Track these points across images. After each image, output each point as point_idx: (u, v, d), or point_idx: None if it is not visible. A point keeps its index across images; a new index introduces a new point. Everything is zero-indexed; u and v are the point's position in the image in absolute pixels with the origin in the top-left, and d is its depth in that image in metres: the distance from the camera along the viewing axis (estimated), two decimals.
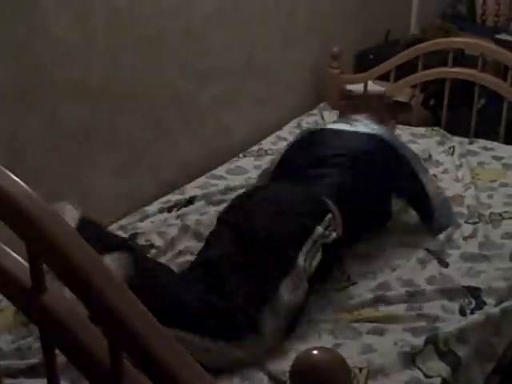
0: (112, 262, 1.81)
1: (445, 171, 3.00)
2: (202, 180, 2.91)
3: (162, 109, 2.83)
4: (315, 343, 1.91)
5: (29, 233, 0.94)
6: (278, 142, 3.25)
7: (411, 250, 2.40)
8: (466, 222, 2.56)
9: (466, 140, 3.29)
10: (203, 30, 2.93)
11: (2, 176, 0.96)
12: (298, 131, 3.33)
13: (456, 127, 3.39)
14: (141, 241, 2.43)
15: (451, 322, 2.00)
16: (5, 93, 2.22)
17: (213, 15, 2.96)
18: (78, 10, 2.39)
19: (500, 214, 2.63)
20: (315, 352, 1.26)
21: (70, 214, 1.96)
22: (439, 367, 1.84)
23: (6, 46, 2.20)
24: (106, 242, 1.92)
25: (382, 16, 4.02)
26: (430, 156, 3.12)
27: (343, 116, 2.87)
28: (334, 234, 2.14)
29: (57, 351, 1.03)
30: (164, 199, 2.74)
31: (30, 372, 1.82)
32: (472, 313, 2.06)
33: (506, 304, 2.08)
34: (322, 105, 3.60)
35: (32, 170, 2.28)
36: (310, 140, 2.60)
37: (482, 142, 3.28)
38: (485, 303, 2.11)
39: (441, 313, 2.06)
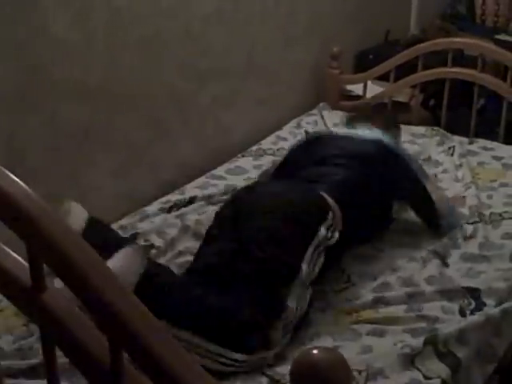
0: (125, 255, 1.82)
1: (444, 171, 3.00)
2: (201, 180, 2.91)
3: (161, 109, 2.83)
4: (315, 345, 1.90)
5: (28, 233, 0.94)
6: (277, 142, 3.25)
7: (411, 250, 2.39)
8: (466, 223, 2.56)
9: (466, 140, 3.29)
10: (203, 30, 2.93)
11: (2, 176, 0.96)
12: (298, 131, 3.34)
13: (456, 127, 3.39)
14: (140, 241, 2.42)
15: (451, 323, 2.00)
16: (5, 93, 2.22)
17: (212, 15, 2.96)
18: (77, 10, 2.39)
19: (500, 214, 2.62)
20: (315, 351, 1.26)
21: (79, 214, 1.96)
22: (439, 368, 1.84)
23: (6, 46, 2.20)
24: (116, 241, 1.93)
25: (382, 16, 4.02)
26: (429, 156, 3.12)
27: (349, 124, 2.87)
28: (336, 236, 2.13)
29: (58, 352, 1.03)
30: (164, 199, 2.73)
31: (30, 372, 1.82)
32: (472, 314, 2.06)
33: (506, 305, 2.08)
34: (321, 105, 3.60)
35: (32, 169, 2.28)
36: (313, 144, 2.60)
37: (482, 142, 3.28)
38: (484, 304, 2.10)
39: (440, 314, 2.06)
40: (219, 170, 3.00)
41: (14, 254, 1.03)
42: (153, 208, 2.66)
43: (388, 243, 2.45)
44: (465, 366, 1.89)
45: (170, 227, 2.52)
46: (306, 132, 3.32)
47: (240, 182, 2.86)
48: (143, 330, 0.92)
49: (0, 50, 2.18)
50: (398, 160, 2.48)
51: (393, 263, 2.33)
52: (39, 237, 0.93)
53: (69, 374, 1.46)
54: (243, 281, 1.96)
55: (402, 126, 2.98)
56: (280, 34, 3.38)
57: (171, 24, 2.77)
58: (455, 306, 2.10)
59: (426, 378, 1.81)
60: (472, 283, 2.19)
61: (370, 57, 3.82)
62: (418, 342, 1.90)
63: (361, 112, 3.12)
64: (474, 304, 2.11)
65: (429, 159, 3.08)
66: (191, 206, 2.68)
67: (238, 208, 2.18)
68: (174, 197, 2.75)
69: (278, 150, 3.16)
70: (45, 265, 0.97)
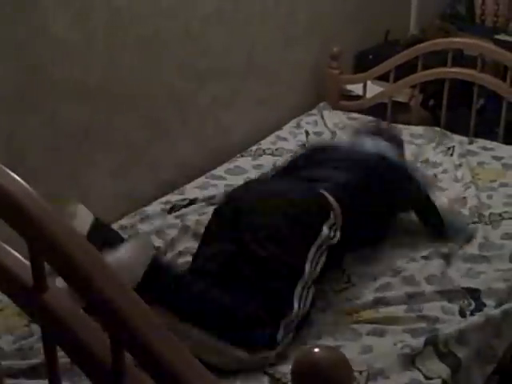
0: (133, 247, 1.82)
1: (444, 171, 3.00)
2: (201, 180, 2.90)
3: (161, 109, 2.83)
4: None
5: (30, 231, 0.94)
6: (277, 142, 3.25)
7: (411, 251, 2.39)
8: (467, 224, 2.55)
9: (465, 140, 3.29)
10: (203, 30, 2.93)
11: (3, 175, 0.96)
12: (298, 131, 3.34)
13: (455, 127, 3.38)
14: None
15: (451, 324, 2.00)
16: (5, 93, 2.22)
17: (212, 15, 2.96)
18: (77, 10, 2.39)
19: (500, 215, 2.62)
20: (316, 350, 1.26)
21: (85, 217, 1.96)
22: (439, 368, 1.84)
23: (6, 46, 2.20)
24: (120, 242, 1.93)
25: (382, 16, 4.02)
26: (427, 158, 3.11)
27: (353, 136, 2.87)
28: (338, 235, 2.13)
29: (59, 351, 1.03)
30: (163, 199, 2.73)
31: (31, 372, 1.82)
32: (472, 314, 2.06)
33: (506, 306, 2.08)
34: (321, 105, 3.60)
35: (32, 169, 2.28)
36: (316, 153, 2.60)
37: (482, 142, 3.27)
38: (484, 305, 2.10)
39: (440, 314, 2.06)
40: (219, 170, 2.99)
41: (15, 253, 1.03)
42: (153, 208, 2.66)
43: (388, 243, 2.44)
44: (465, 366, 1.89)
45: (170, 228, 2.52)
46: (307, 132, 3.33)
47: (239, 182, 2.85)
48: (143, 327, 0.92)
49: (0, 50, 2.18)
50: (400, 171, 2.48)
51: (393, 263, 2.33)
52: (41, 236, 0.93)
53: (70, 373, 1.47)
54: (245, 281, 1.95)
55: (402, 126, 2.98)
56: (280, 34, 3.38)
57: (171, 24, 2.77)
58: (455, 307, 2.10)
59: (427, 378, 1.81)
60: (472, 284, 2.19)
61: (370, 57, 3.82)
62: (418, 342, 1.90)
63: (365, 125, 3.12)
64: (473, 304, 2.11)
65: (426, 161, 3.08)
66: (191, 207, 2.68)
67: (237, 206, 2.15)
68: (173, 197, 2.75)
69: (276, 149, 3.16)
70: (46, 264, 0.97)
